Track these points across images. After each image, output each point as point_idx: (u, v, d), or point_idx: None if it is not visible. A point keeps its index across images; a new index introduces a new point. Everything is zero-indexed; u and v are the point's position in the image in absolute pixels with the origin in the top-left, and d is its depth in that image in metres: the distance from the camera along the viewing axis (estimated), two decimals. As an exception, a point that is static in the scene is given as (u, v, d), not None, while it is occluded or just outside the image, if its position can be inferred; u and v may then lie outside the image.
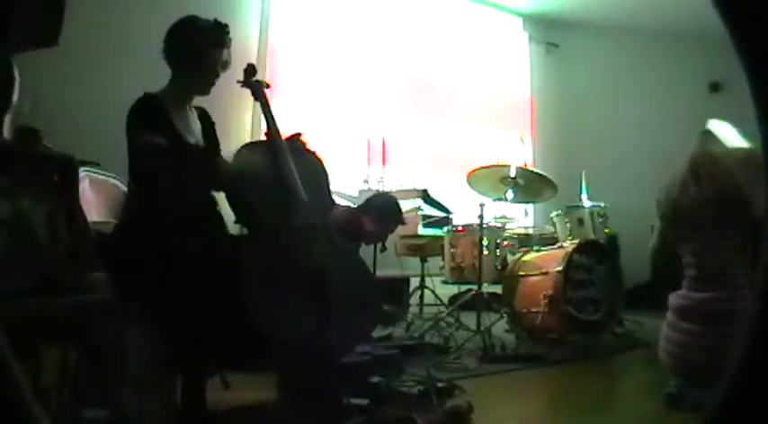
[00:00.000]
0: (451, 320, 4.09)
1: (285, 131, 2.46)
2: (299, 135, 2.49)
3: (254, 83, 2.55)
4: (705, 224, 2.40)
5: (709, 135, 2.55)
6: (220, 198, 2.37)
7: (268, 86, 2.59)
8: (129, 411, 1.93)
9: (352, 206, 4.13)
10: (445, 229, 4.72)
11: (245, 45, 5.74)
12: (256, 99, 2.55)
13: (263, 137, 2.45)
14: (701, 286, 2.42)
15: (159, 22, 2.30)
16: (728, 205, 2.34)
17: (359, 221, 3.54)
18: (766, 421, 0.76)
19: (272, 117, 2.46)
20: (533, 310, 3.84)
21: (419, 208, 5.08)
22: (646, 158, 6.86)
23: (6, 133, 2.12)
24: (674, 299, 2.52)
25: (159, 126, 2.11)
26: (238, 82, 2.55)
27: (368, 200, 3.86)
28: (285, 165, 2.32)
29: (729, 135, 2.52)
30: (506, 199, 4.24)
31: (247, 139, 5.30)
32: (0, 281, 1.82)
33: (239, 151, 2.36)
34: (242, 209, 2.35)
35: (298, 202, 2.27)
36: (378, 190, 4.89)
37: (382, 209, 3.72)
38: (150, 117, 2.12)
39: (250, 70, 2.56)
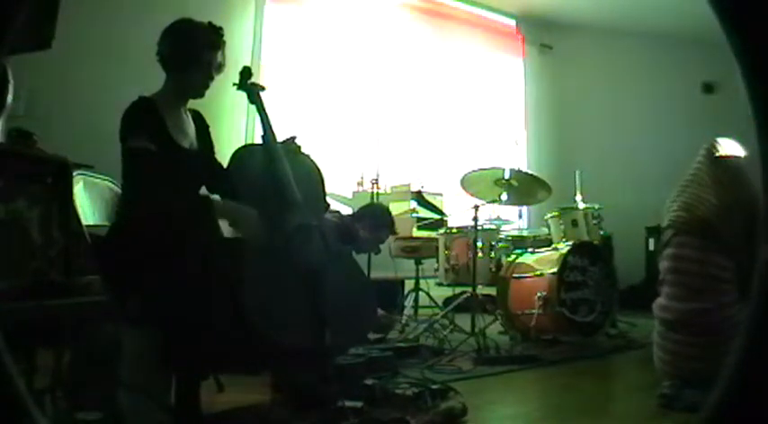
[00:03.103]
0: (446, 322, 4.09)
1: (280, 134, 2.46)
2: (294, 137, 2.50)
3: (250, 86, 2.55)
4: (730, 231, 2.35)
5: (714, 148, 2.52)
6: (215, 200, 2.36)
7: (263, 89, 2.59)
8: (123, 413, 1.93)
9: (348, 209, 4.15)
10: (440, 231, 4.73)
11: (239, 48, 5.74)
12: (252, 102, 2.55)
13: (259, 140, 2.45)
14: (684, 293, 2.41)
15: (154, 24, 2.29)
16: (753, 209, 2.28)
17: (351, 229, 3.54)
18: (763, 422, 0.77)
19: (268, 119, 2.46)
20: (528, 311, 3.85)
21: (413, 210, 5.09)
22: (640, 159, 6.91)
23: (0, 135, 2.11)
24: (659, 312, 2.51)
25: (152, 129, 2.10)
26: (234, 85, 2.55)
27: (361, 209, 3.86)
28: (280, 168, 2.32)
29: (736, 150, 2.50)
30: (500, 201, 4.25)
31: (242, 142, 5.31)
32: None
33: (235, 153, 2.36)
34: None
35: (293, 204, 2.27)
36: (372, 193, 4.89)
37: (375, 219, 3.72)
38: (143, 121, 2.10)
39: (246, 73, 2.56)
